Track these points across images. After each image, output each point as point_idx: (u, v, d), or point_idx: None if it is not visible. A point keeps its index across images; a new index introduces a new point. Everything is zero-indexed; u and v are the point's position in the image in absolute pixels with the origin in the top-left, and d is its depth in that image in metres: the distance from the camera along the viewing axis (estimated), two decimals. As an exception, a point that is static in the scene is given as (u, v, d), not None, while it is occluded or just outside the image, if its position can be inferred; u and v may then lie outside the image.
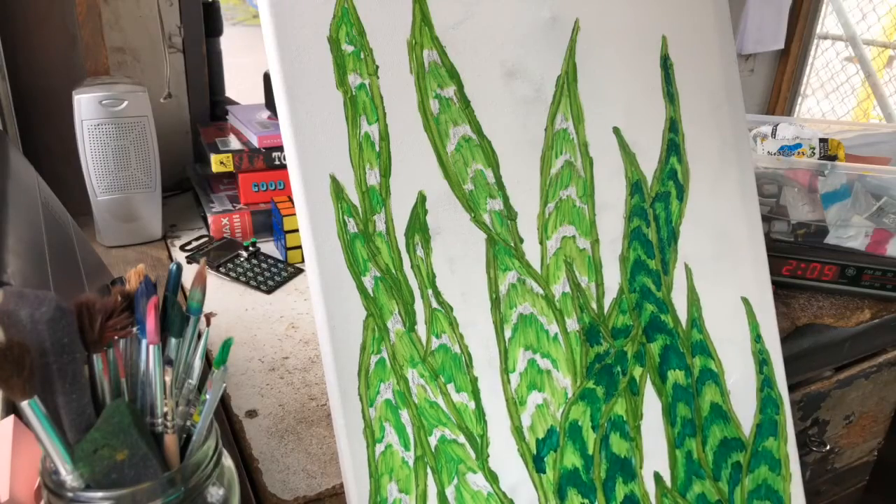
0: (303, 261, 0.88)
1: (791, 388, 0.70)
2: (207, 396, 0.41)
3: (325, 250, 0.51)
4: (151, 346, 0.39)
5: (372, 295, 0.53)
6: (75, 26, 1.02)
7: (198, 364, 0.42)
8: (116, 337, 0.39)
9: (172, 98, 1.13)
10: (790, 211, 1.01)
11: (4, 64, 0.97)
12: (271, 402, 0.70)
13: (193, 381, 0.42)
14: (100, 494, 0.37)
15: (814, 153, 1.12)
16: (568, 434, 0.59)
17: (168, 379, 0.40)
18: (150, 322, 0.38)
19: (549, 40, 0.60)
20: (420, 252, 0.55)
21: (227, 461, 0.45)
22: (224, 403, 0.70)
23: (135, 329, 0.40)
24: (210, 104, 1.21)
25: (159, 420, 0.40)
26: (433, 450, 0.54)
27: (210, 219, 1.02)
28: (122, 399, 0.39)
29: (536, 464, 0.58)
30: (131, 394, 0.40)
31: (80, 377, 0.37)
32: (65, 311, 0.36)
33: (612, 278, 0.63)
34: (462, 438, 0.55)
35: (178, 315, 0.41)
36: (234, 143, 1.06)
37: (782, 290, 0.94)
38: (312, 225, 0.51)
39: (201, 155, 1.16)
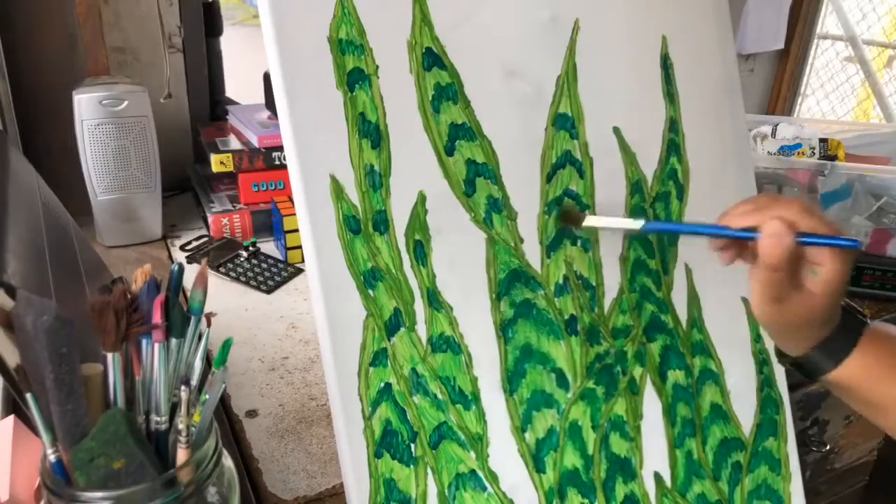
0: (303, 261, 0.88)
1: (791, 388, 0.70)
2: (207, 396, 0.41)
3: (325, 250, 0.51)
4: (156, 345, 0.39)
5: (372, 295, 0.53)
6: (75, 26, 1.02)
7: (198, 364, 0.42)
8: (139, 333, 0.39)
9: (172, 98, 1.12)
10: (790, 211, 1.01)
11: (4, 64, 0.97)
12: (271, 402, 0.70)
13: (193, 381, 0.42)
14: (100, 494, 0.37)
15: (814, 153, 1.12)
16: (568, 434, 0.59)
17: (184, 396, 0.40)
18: (157, 320, 0.39)
19: (549, 40, 0.60)
20: (420, 252, 0.55)
21: (227, 461, 0.45)
22: (224, 403, 0.70)
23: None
24: (210, 104, 1.21)
25: (163, 419, 0.40)
26: (433, 450, 0.54)
27: (210, 219, 1.02)
28: (118, 408, 0.39)
29: (536, 464, 0.58)
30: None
31: (76, 388, 0.37)
32: (64, 322, 0.36)
33: (613, 278, 0.63)
34: (462, 438, 0.55)
35: (179, 315, 0.41)
36: (234, 143, 1.05)
37: (782, 290, 0.94)
38: (312, 225, 0.51)
39: (201, 155, 1.16)
